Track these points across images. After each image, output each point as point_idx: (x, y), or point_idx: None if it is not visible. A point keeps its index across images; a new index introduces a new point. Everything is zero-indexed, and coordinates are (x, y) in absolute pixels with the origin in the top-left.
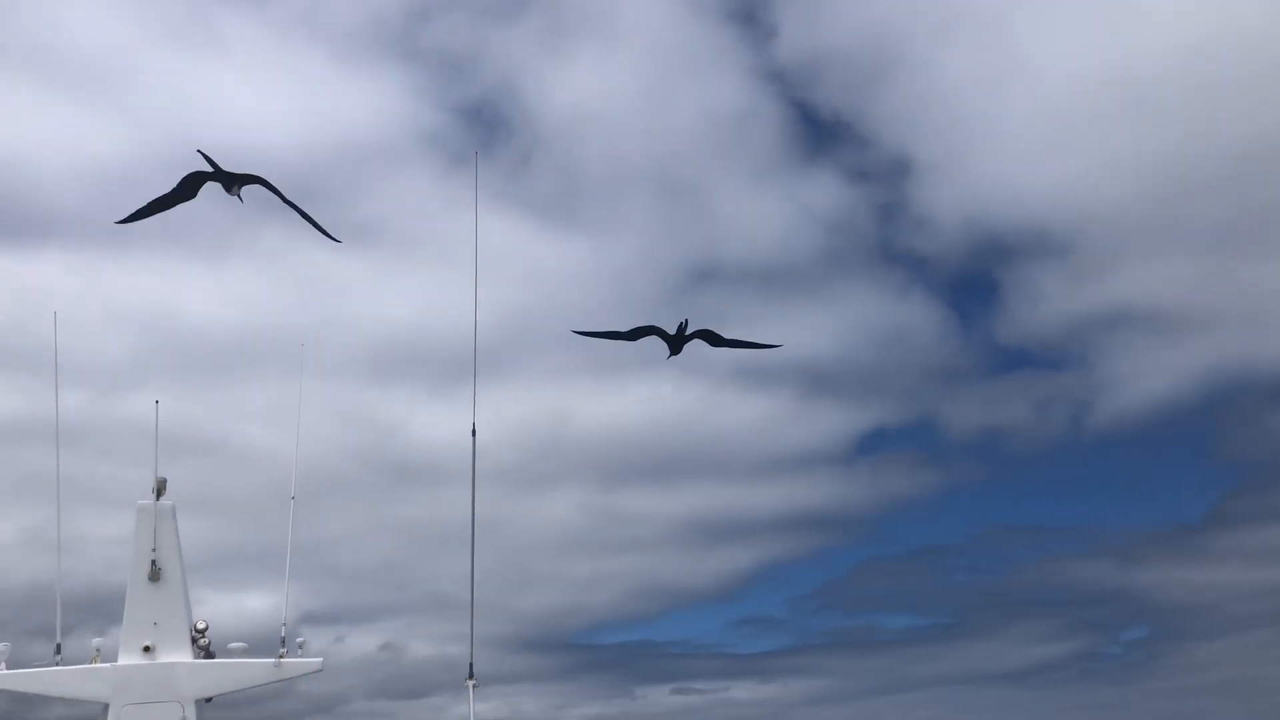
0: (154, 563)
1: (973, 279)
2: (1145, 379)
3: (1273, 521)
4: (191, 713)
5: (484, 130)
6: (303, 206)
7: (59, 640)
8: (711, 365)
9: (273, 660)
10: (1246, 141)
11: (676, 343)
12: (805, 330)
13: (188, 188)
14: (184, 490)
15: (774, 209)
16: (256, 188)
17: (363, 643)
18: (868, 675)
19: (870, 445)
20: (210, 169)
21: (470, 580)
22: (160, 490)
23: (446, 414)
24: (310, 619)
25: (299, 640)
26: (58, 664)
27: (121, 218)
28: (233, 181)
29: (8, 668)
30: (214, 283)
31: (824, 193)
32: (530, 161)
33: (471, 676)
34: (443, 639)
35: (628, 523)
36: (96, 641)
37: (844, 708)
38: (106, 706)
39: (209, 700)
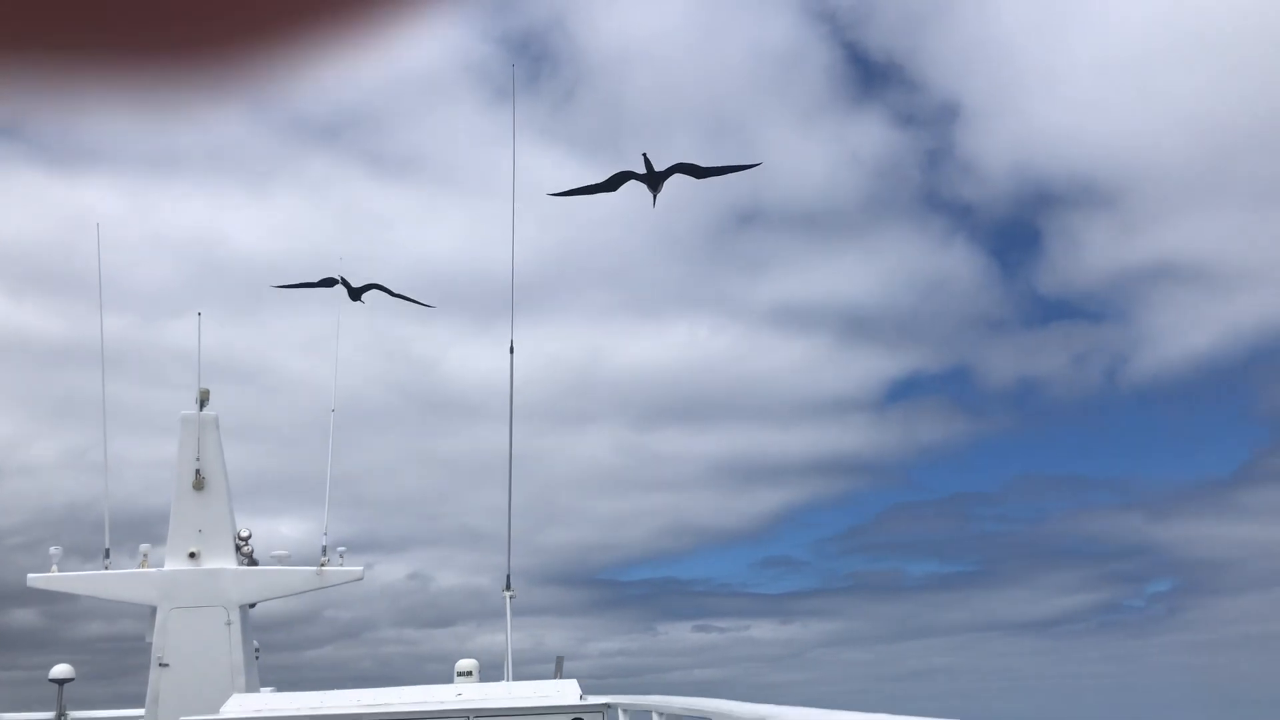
0: (198, 472)
1: (1016, 228)
2: (1185, 333)
3: None
4: (236, 617)
5: (529, 63)
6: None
7: (107, 545)
8: (751, 308)
9: (314, 568)
10: None
11: (653, 182)
12: (846, 275)
13: (615, 182)
14: (222, 416)
15: (820, 152)
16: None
17: (391, 571)
18: (888, 620)
19: (904, 392)
20: (643, 171)
21: (508, 489)
22: (204, 401)
23: (484, 349)
24: (341, 545)
25: (340, 550)
26: (106, 569)
27: (553, 191)
28: (658, 180)
29: (59, 571)
30: (257, 211)
31: (871, 136)
32: (574, 97)
33: (509, 588)
34: (470, 570)
35: (659, 462)
36: (144, 547)
37: (862, 650)
38: (154, 610)
39: (253, 606)
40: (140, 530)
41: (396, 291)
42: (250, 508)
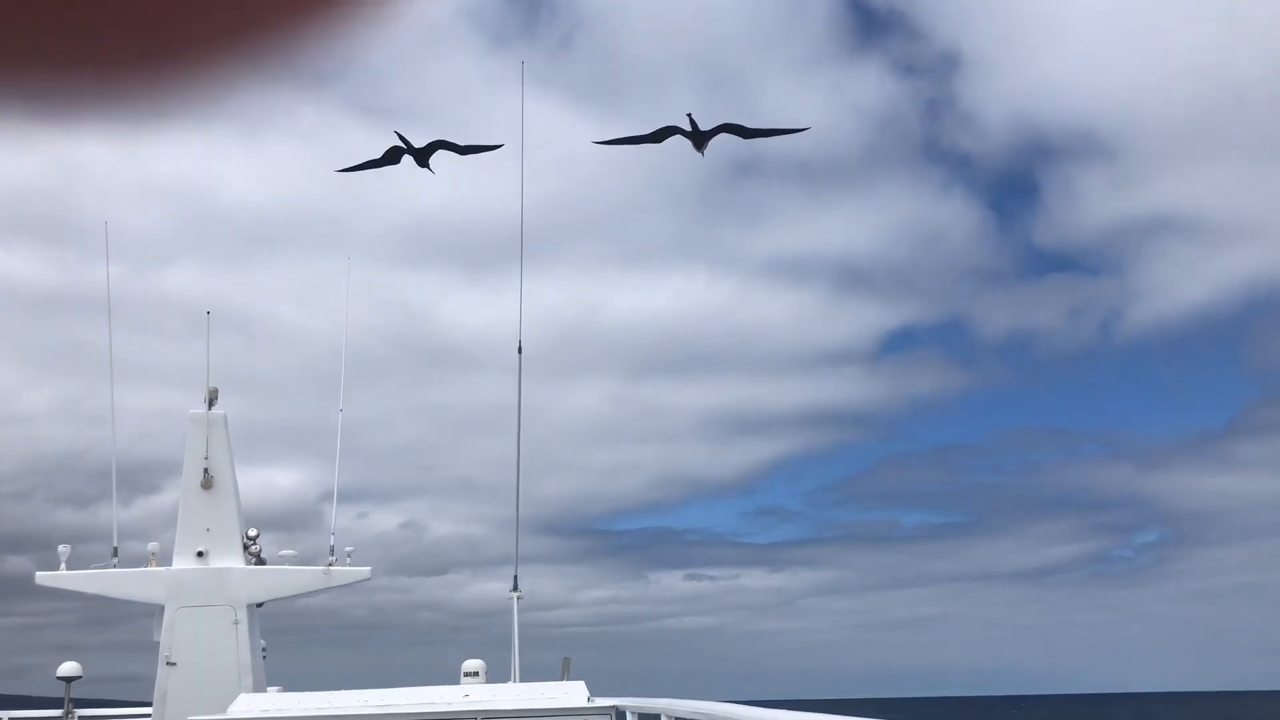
0: (206, 471)
1: (1014, 179)
2: (1180, 287)
3: None
4: (244, 616)
5: (525, 8)
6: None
7: (115, 544)
8: (746, 260)
9: (322, 568)
10: None
11: (698, 140)
12: (842, 226)
13: (660, 135)
14: (213, 365)
15: (819, 101)
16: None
17: (384, 520)
18: (878, 569)
19: (899, 344)
20: (688, 128)
21: (516, 500)
22: (212, 400)
23: (478, 300)
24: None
25: (348, 550)
26: (115, 567)
27: (599, 139)
28: (704, 138)
29: (68, 568)
30: (249, 160)
31: (870, 86)
32: (572, 43)
33: (516, 589)
34: (463, 519)
35: (652, 413)
36: (152, 546)
37: (852, 599)
38: (162, 609)
39: (260, 605)
40: (134, 478)
41: (464, 145)
42: (241, 457)
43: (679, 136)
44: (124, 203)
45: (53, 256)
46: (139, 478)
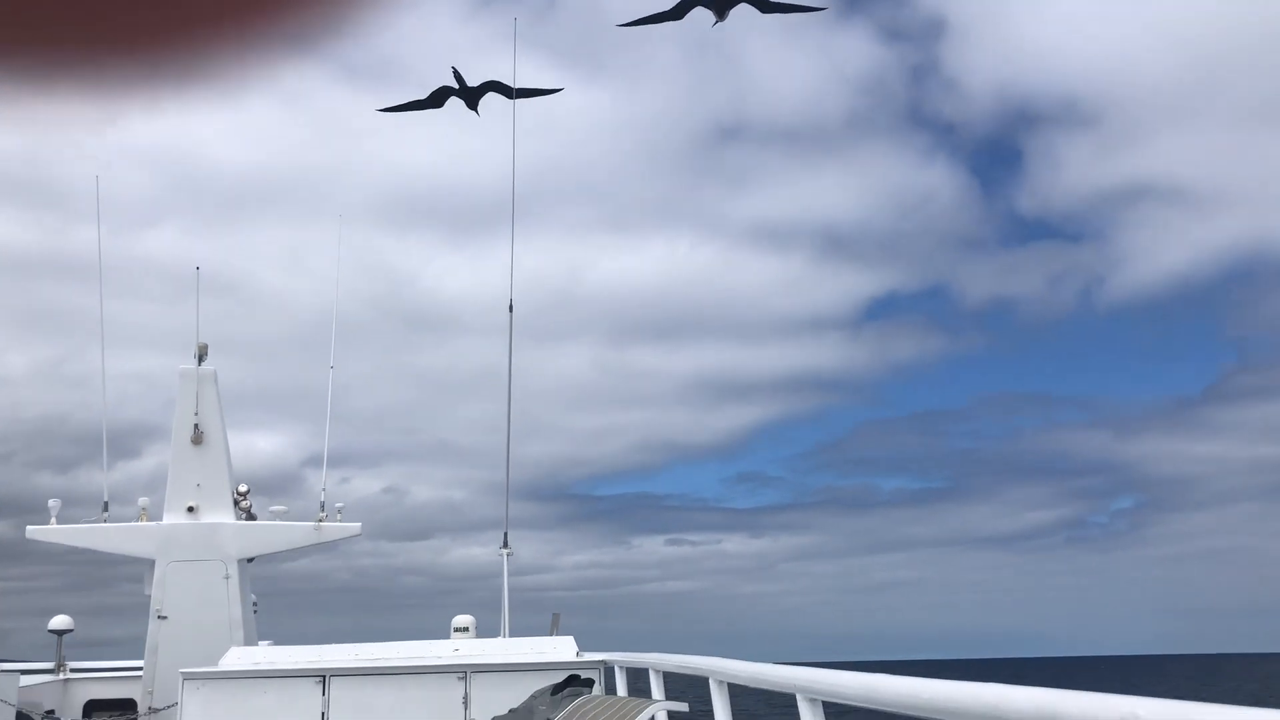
0: (196, 426)
1: (998, 146)
2: (1161, 254)
3: (1272, 398)
4: (234, 571)
5: None
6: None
7: (106, 499)
8: (730, 225)
9: (312, 524)
10: None
11: (719, 8)
12: (826, 192)
13: (681, 9)
14: (196, 327)
15: (804, 65)
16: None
17: (366, 485)
18: (857, 534)
19: (881, 310)
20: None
21: (506, 458)
22: (202, 356)
23: (462, 264)
24: (316, 460)
25: (338, 506)
26: (105, 521)
27: (622, 21)
28: (723, 8)
29: (58, 523)
30: (231, 121)
31: (856, 51)
32: (557, 3)
33: (506, 546)
34: (445, 484)
35: (635, 378)
36: (143, 501)
37: (831, 563)
38: (153, 563)
39: (250, 560)
40: (115, 441)
41: (517, 88)
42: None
43: (700, 8)
44: (104, 165)
45: (30, 219)
46: (120, 441)
